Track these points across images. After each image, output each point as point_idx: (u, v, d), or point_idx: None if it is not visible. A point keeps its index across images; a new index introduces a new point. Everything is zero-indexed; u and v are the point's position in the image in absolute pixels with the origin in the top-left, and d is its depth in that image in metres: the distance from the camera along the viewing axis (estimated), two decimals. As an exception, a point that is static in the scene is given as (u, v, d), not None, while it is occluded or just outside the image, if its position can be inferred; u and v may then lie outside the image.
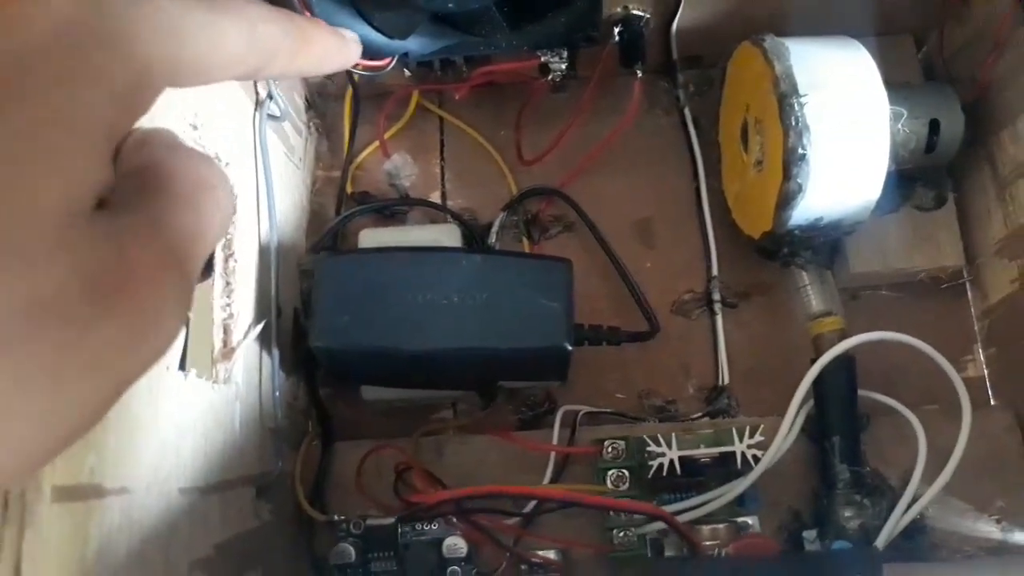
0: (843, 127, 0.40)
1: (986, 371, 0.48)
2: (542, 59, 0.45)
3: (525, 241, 0.50)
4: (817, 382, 0.42)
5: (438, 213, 0.50)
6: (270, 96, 0.41)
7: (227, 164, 0.37)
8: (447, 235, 0.47)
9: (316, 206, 0.51)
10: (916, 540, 0.42)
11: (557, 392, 0.47)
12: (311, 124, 0.52)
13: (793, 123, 0.39)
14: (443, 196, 0.52)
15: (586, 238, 0.50)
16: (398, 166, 0.49)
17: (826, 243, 0.45)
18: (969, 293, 0.49)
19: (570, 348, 0.37)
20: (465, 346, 0.36)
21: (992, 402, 0.47)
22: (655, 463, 0.40)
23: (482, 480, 0.43)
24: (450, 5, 0.38)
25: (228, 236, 0.38)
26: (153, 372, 0.27)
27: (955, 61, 0.48)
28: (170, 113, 0.32)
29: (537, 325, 0.37)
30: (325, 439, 0.45)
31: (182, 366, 0.32)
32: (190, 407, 0.32)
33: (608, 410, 0.46)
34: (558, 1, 0.40)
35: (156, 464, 0.28)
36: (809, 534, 0.33)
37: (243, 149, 0.40)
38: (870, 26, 0.49)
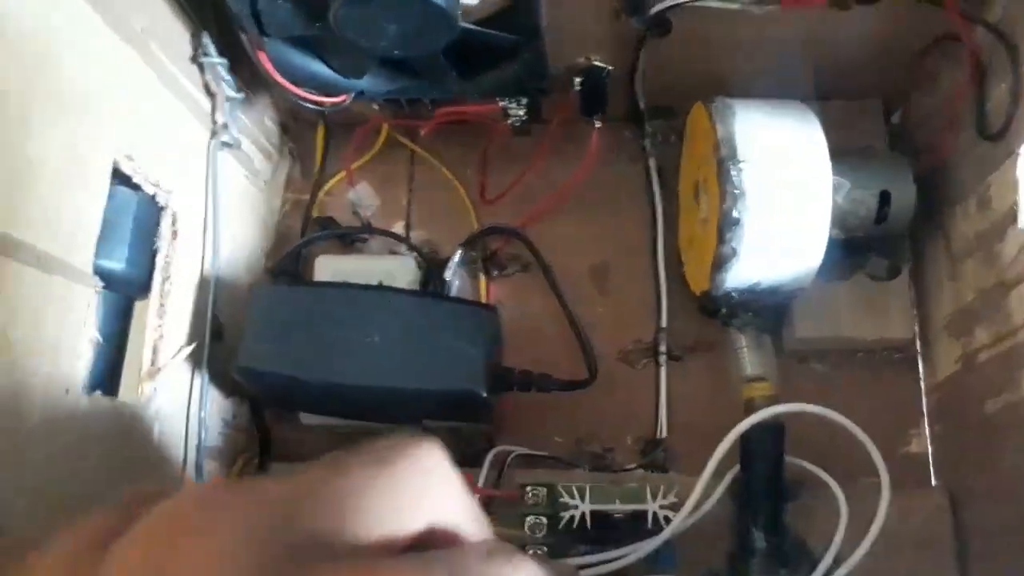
0: (780, 195, 0.40)
1: (930, 448, 0.47)
2: (501, 104, 0.45)
3: (482, 277, 0.51)
4: (744, 447, 0.42)
5: (399, 244, 0.51)
6: (225, 125, 0.43)
7: (171, 192, 0.39)
8: (402, 268, 0.48)
9: (283, 228, 0.53)
10: (831, 614, 0.41)
11: (496, 430, 0.48)
12: (285, 148, 0.53)
13: (729, 188, 0.39)
14: (407, 226, 0.53)
15: (541, 279, 0.51)
16: (360, 196, 0.50)
17: (768, 307, 0.45)
18: (921, 367, 0.48)
19: (484, 395, 0.38)
20: (377, 384, 0.37)
21: (933, 480, 0.47)
22: (567, 515, 0.40)
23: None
24: (396, 53, 0.39)
25: (167, 260, 0.39)
26: (52, 395, 0.28)
27: (920, 130, 0.47)
28: (102, 145, 0.33)
29: (453, 369, 0.38)
30: (262, 459, 0.46)
31: (108, 386, 0.33)
32: (91, 424, 0.33)
33: (542, 454, 0.47)
34: (504, 54, 0.40)
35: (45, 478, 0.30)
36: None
37: (194, 177, 0.42)
38: (840, 88, 0.49)
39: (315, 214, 0.52)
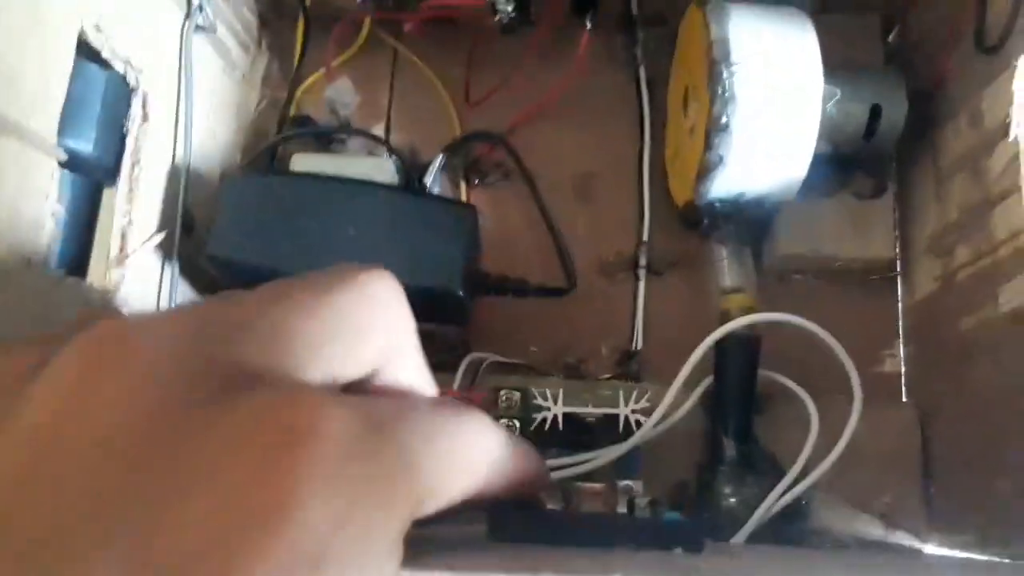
0: (771, 101, 0.39)
1: (903, 368, 0.47)
2: (488, -1, 0.44)
3: (463, 184, 0.50)
4: (718, 356, 0.42)
5: (378, 145, 0.50)
6: (200, 7, 0.41)
7: (142, 72, 0.37)
8: (380, 170, 0.47)
9: (259, 125, 0.51)
10: (795, 524, 0.42)
11: (473, 338, 0.47)
12: (263, 42, 0.51)
13: (720, 91, 0.38)
14: (387, 128, 0.51)
15: (523, 188, 0.50)
16: (339, 93, 0.49)
17: (751, 220, 0.44)
18: (899, 287, 0.48)
19: (462, 295, 0.37)
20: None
21: (904, 398, 0.47)
22: (539, 416, 0.40)
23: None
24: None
25: (137, 144, 0.38)
26: (11, 264, 0.27)
27: (916, 48, 0.46)
28: (67, 9, 0.32)
29: (430, 265, 0.37)
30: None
31: (74, 269, 0.33)
32: (54, 303, 0.32)
33: (517, 361, 0.46)
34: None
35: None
36: (641, 500, 0.34)
37: (167, 58, 0.40)
38: (839, 2, 0.47)
39: (292, 112, 0.51)
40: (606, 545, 0.27)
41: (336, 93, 0.49)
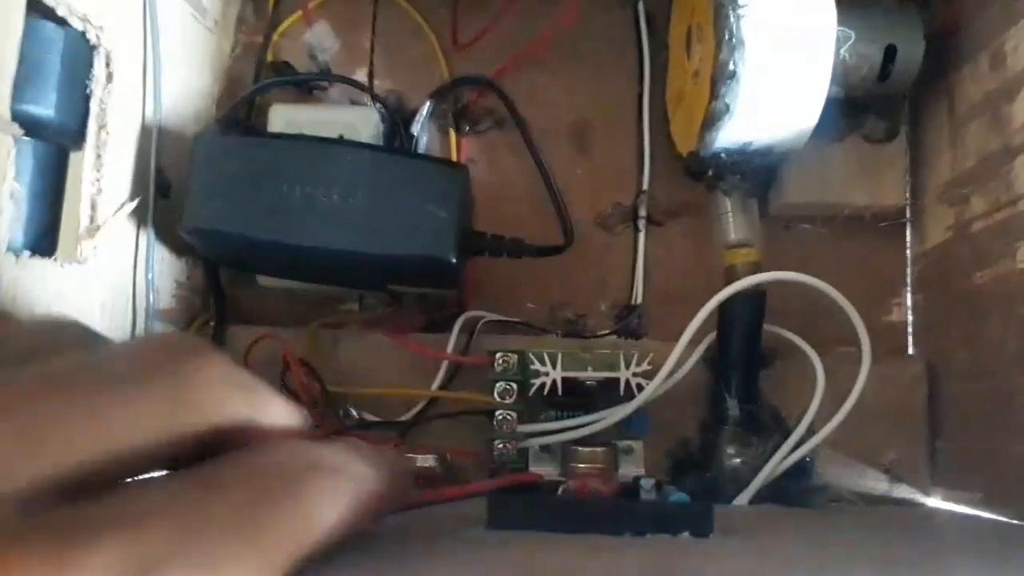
0: (781, 46, 0.36)
1: (910, 317, 0.46)
2: (475, -66, 0.41)
3: (452, 132, 0.48)
4: (721, 314, 0.41)
5: (361, 93, 0.47)
6: (162, -49, 0.38)
7: (101, 28, 0.34)
8: (364, 120, 0.44)
9: (235, 73, 0.48)
10: (801, 482, 0.41)
11: (467, 295, 0.46)
12: (235, -18, 0.48)
13: (727, 36, 0.36)
14: (370, 75, 0.48)
15: (516, 136, 0.47)
16: (319, 38, 0.46)
17: (757, 169, 0.42)
18: (908, 235, 0.46)
19: (455, 261, 0.36)
20: (337, 247, 0.34)
21: (911, 350, 0.46)
22: (538, 382, 0.39)
23: (374, 379, 0.42)
24: None
25: (102, 106, 0.35)
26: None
27: (934, -19, 0.43)
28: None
29: (420, 233, 0.35)
30: (219, 322, 0.44)
31: (41, 246, 0.31)
32: (21, 287, 0.30)
33: (514, 320, 0.45)
34: None
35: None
36: (646, 482, 0.33)
37: (130, 12, 0.37)
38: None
39: (269, 58, 0.48)
40: (612, 532, 0.26)
41: (315, 38, 0.46)
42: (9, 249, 0.30)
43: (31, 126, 0.32)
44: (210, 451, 0.18)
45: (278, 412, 0.20)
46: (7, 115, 0.29)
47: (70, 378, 0.16)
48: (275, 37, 0.48)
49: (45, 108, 0.33)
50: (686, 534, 0.26)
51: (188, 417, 0.18)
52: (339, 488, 0.19)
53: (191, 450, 0.18)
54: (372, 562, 0.20)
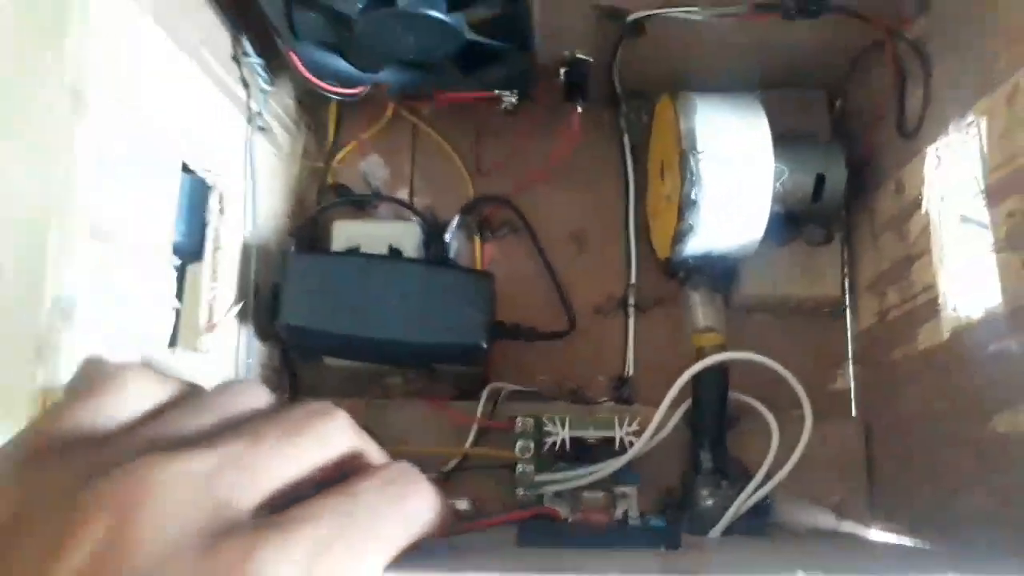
0: (731, 182, 0.48)
1: (852, 386, 0.56)
2: (496, 92, 0.52)
3: (476, 239, 0.59)
4: (694, 385, 0.51)
5: (405, 209, 0.58)
6: (259, 113, 0.50)
7: (218, 175, 0.46)
8: (408, 232, 0.56)
9: (301, 194, 0.60)
10: (761, 519, 0.51)
11: (491, 371, 0.56)
12: (301, 121, 0.60)
13: (689, 174, 0.47)
14: (411, 193, 0.60)
15: (528, 241, 0.59)
16: (371, 167, 0.57)
17: (719, 270, 0.53)
18: (848, 317, 0.57)
19: (485, 346, 0.46)
20: (401, 338, 0.45)
21: (854, 412, 0.56)
22: (550, 440, 0.49)
23: (416, 439, 0.53)
24: (411, 56, 0.46)
25: (217, 232, 0.46)
26: (149, 353, 0.36)
27: (854, 121, 0.55)
28: (174, 145, 0.40)
29: (459, 326, 0.46)
30: (292, 395, 0.54)
31: (172, 341, 0.41)
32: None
33: (529, 389, 0.55)
34: (501, 58, 0.47)
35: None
36: (633, 514, 0.42)
37: (234, 158, 0.49)
38: (789, 80, 0.56)
39: (330, 181, 0.59)
40: (609, 547, 0.36)
41: (369, 167, 0.58)
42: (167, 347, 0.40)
43: (170, 251, 0.43)
44: (344, 473, 0.28)
45: (376, 449, 0.30)
46: (170, 248, 0.40)
47: (264, 429, 0.27)
48: (334, 164, 0.60)
49: (177, 236, 0.44)
50: (662, 547, 0.36)
51: (330, 451, 0.28)
52: (429, 500, 0.29)
53: (331, 473, 0.28)
54: (429, 560, 0.30)
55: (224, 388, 0.29)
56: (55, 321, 0.30)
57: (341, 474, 0.28)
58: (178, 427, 0.26)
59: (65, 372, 0.30)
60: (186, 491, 0.23)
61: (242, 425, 0.27)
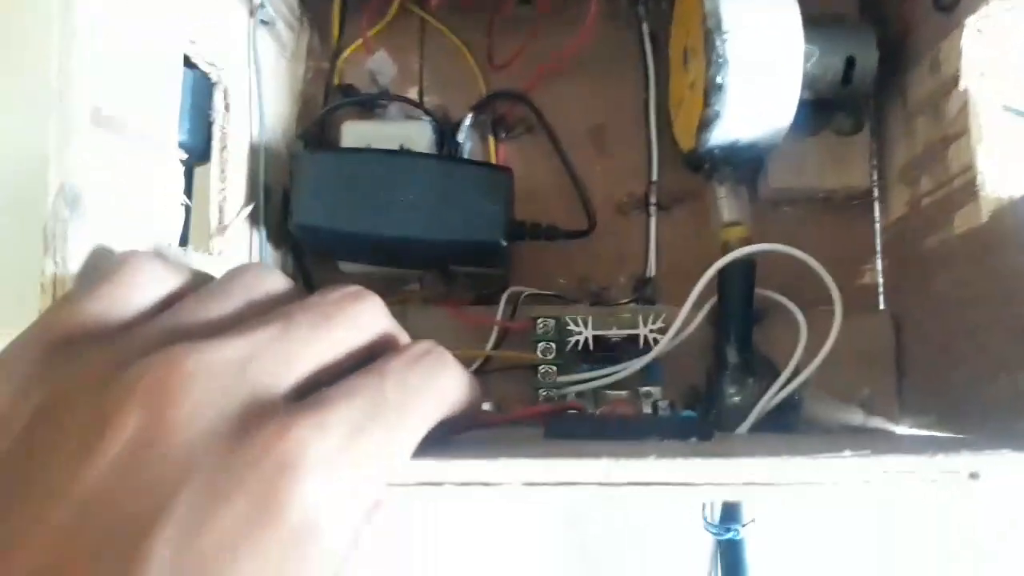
0: (759, 63, 0.45)
1: (880, 279, 0.55)
2: (507, -23, 0.50)
3: (491, 139, 0.57)
4: (720, 281, 0.50)
5: (415, 109, 0.56)
6: (262, 4, 0.47)
7: (222, 70, 0.44)
8: (419, 132, 0.54)
9: (307, 95, 0.58)
10: (789, 416, 0.51)
11: (511, 274, 0.55)
12: (304, 18, 0.57)
13: (715, 57, 0.45)
14: (420, 92, 0.58)
15: (545, 140, 0.57)
16: (379, 64, 0.55)
17: (746, 161, 0.51)
18: (876, 210, 0.55)
19: (504, 244, 0.45)
20: (417, 236, 0.44)
21: (881, 307, 0.55)
22: (573, 339, 0.48)
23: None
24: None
25: (223, 131, 0.45)
26: (162, 245, 0.35)
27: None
28: (173, 32, 0.38)
29: (477, 223, 0.44)
30: (307, 301, 0.53)
31: (183, 242, 0.40)
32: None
33: (549, 292, 0.54)
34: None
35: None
36: (663, 403, 0.42)
37: (238, 53, 0.46)
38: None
39: (336, 81, 0.57)
40: (638, 438, 0.35)
41: (376, 65, 0.55)
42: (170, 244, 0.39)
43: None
44: (372, 355, 0.27)
45: (405, 334, 0.30)
46: (176, 143, 0.38)
47: (296, 314, 0.26)
48: (339, 63, 0.57)
49: (182, 134, 0.43)
50: (693, 439, 0.36)
51: (363, 335, 0.27)
52: (459, 378, 0.28)
53: (363, 354, 0.27)
54: (459, 448, 0.29)
55: (240, 273, 0.28)
56: (61, 209, 0.28)
57: (370, 356, 0.27)
58: (200, 314, 0.26)
59: (74, 263, 0.29)
60: (220, 379, 0.22)
61: (270, 310, 0.26)
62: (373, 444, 0.24)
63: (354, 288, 0.28)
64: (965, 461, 0.27)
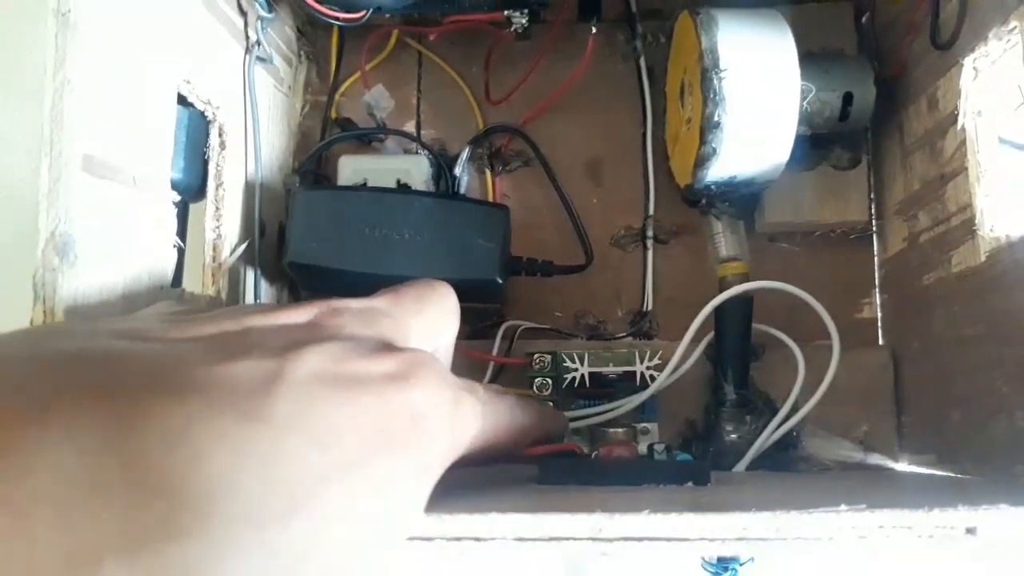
0: (756, 101, 0.45)
1: (879, 314, 0.55)
2: (505, 14, 0.50)
3: (488, 173, 0.57)
4: (718, 316, 0.49)
5: (411, 142, 0.56)
6: (258, 42, 0.47)
7: (218, 108, 0.44)
8: (416, 166, 0.53)
9: (305, 128, 0.58)
10: (788, 453, 0.50)
11: (507, 309, 0.55)
12: (302, 52, 0.57)
13: (712, 94, 0.45)
14: (418, 126, 0.58)
15: (542, 173, 0.56)
16: (376, 98, 0.55)
17: (743, 196, 0.51)
18: (875, 245, 0.55)
19: (500, 281, 0.45)
20: (408, 274, 0.43)
21: (880, 341, 0.55)
22: (569, 376, 0.48)
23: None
24: (413, -25, 0.43)
25: (218, 168, 0.45)
26: (153, 287, 0.35)
27: (885, 34, 0.52)
28: (167, 73, 0.38)
29: (473, 260, 0.44)
30: (303, 336, 0.53)
31: (176, 282, 0.40)
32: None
33: (545, 327, 0.54)
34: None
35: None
36: (659, 447, 0.41)
37: (233, 90, 0.46)
38: (814, -8, 0.53)
39: (333, 115, 0.57)
40: (634, 483, 0.35)
41: (373, 99, 0.55)
42: (170, 285, 0.39)
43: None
44: None
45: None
46: (168, 183, 0.38)
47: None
48: (337, 97, 0.57)
49: (176, 173, 0.43)
50: (689, 484, 0.35)
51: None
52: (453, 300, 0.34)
53: None
54: (448, 499, 0.29)
55: None
56: (51, 258, 0.28)
57: None
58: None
59: (62, 312, 0.28)
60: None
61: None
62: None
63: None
64: (961, 516, 0.26)
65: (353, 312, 0.27)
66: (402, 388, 0.24)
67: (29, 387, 0.17)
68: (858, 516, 0.27)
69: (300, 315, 0.25)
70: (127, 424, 0.17)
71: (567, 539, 0.27)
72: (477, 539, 0.27)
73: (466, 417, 0.28)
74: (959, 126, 0.43)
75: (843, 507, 0.27)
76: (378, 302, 0.29)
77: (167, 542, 0.16)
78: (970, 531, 0.27)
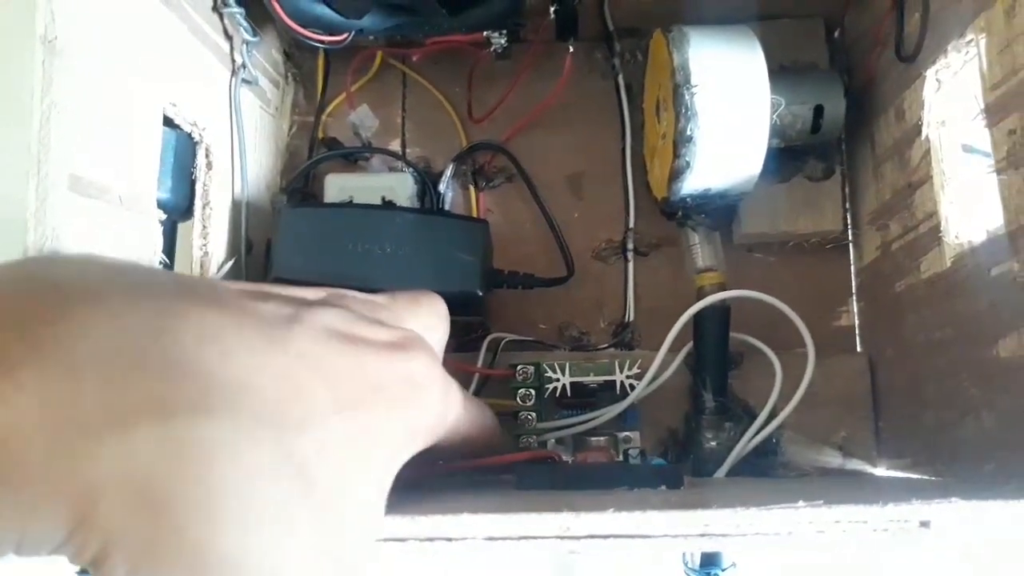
0: (727, 115, 0.46)
1: (857, 321, 0.56)
2: (484, 34, 0.51)
3: (472, 189, 0.58)
4: (696, 326, 0.50)
5: (397, 161, 0.58)
6: (244, 65, 0.49)
7: (204, 129, 0.45)
8: (401, 183, 0.55)
9: (292, 148, 0.59)
10: (768, 459, 0.51)
11: (490, 321, 0.56)
12: (289, 74, 0.59)
13: (683, 110, 0.46)
14: (403, 144, 0.59)
15: (524, 189, 0.58)
16: (361, 118, 0.56)
17: (718, 208, 0.52)
18: (851, 253, 0.56)
19: (481, 293, 0.46)
20: (391, 287, 0.45)
21: (858, 348, 0.56)
22: (551, 386, 0.49)
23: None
24: (393, -1, 0.44)
25: (205, 188, 0.46)
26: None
27: (854, 48, 0.54)
28: (153, 96, 0.40)
29: (454, 274, 0.45)
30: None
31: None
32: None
33: (529, 339, 0.55)
34: (486, -5, 0.46)
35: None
36: (633, 451, 0.42)
37: (220, 112, 0.48)
38: (786, 8, 0.55)
39: (320, 135, 0.59)
40: (608, 487, 0.36)
41: (358, 118, 0.57)
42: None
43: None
44: None
45: None
46: (154, 201, 0.39)
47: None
48: (324, 117, 0.59)
49: (163, 192, 0.44)
50: (663, 487, 0.36)
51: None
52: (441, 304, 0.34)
53: None
54: (426, 501, 0.30)
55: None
56: (35, 275, 0.29)
57: None
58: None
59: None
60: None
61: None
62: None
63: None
64: (915, 510, 0.27)
65: (358, 299, 0.29)
66: (402, 357, 0.26)
67: (88, 278, 0.20)
68: (815, 512, 0.28)
69: (313, 293, 0.27)
70: (167, 318, 0.19)
71: (536, 538, 0.28)
72: (448, 539, 0.28)
73: (454, 400, 0.30)
74: (923, 136, 0.44)
75: (801, 503, 0.28)
76: (378, 297, 0.31)
77: (197, 416, 0.19)
78: (924, 524, 0.28)
